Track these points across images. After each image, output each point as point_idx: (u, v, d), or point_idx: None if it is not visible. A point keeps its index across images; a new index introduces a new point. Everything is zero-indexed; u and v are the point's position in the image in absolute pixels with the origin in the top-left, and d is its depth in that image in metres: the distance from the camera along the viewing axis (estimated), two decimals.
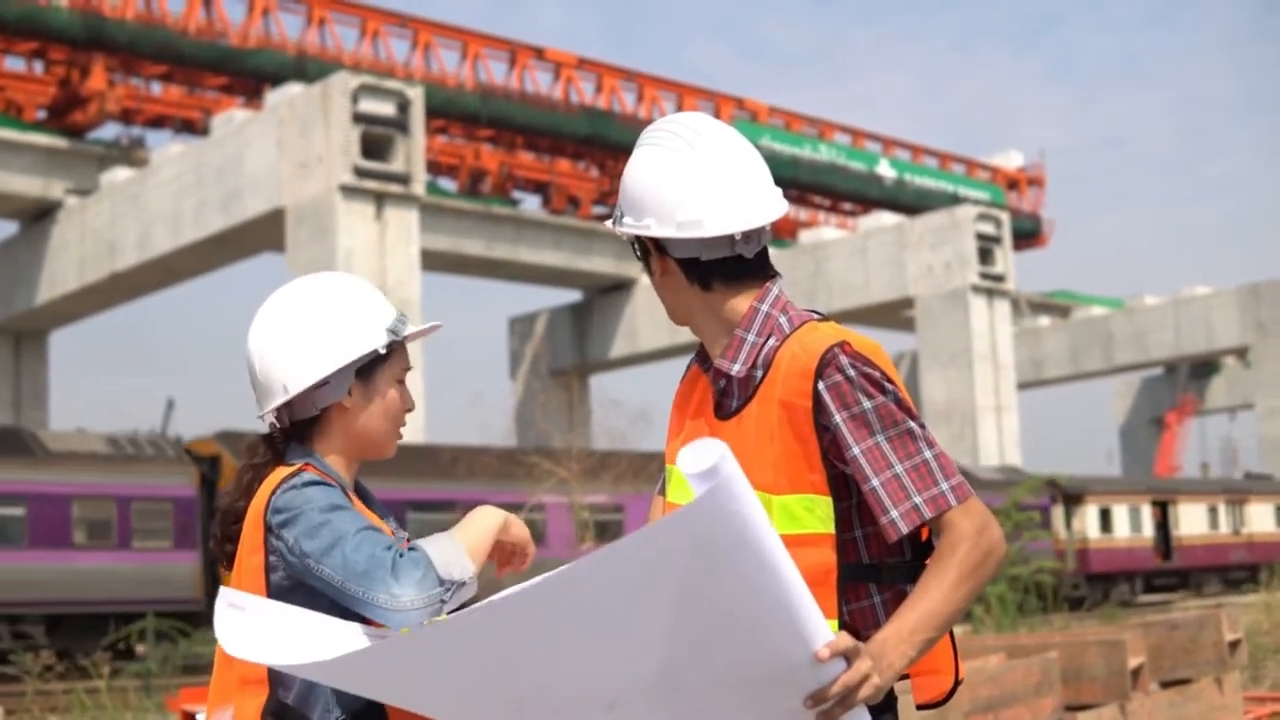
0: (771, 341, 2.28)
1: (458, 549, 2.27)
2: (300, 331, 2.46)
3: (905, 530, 2.16)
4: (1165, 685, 7.32)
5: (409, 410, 2.58)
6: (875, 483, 2.17)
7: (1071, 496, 35.76)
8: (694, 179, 2.27)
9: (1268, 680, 10.10)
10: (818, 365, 2.20)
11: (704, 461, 1.67)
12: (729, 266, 2.32)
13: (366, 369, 2.49)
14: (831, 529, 2.20)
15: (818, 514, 2.20)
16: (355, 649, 2.02)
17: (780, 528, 2.13)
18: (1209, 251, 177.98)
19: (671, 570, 1.65)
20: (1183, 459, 67.12)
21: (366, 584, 2.19)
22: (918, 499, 2.16)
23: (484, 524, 2.35)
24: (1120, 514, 36.77)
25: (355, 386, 2.49)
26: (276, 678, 2.31)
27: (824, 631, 1.77)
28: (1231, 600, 27.41)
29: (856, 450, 2.17)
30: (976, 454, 40.40)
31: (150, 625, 16.39)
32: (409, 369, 2.58)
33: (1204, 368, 67.36)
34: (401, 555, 2.22)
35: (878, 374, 2.20)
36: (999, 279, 42.54)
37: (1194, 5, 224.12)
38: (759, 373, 2.27)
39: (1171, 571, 38.44)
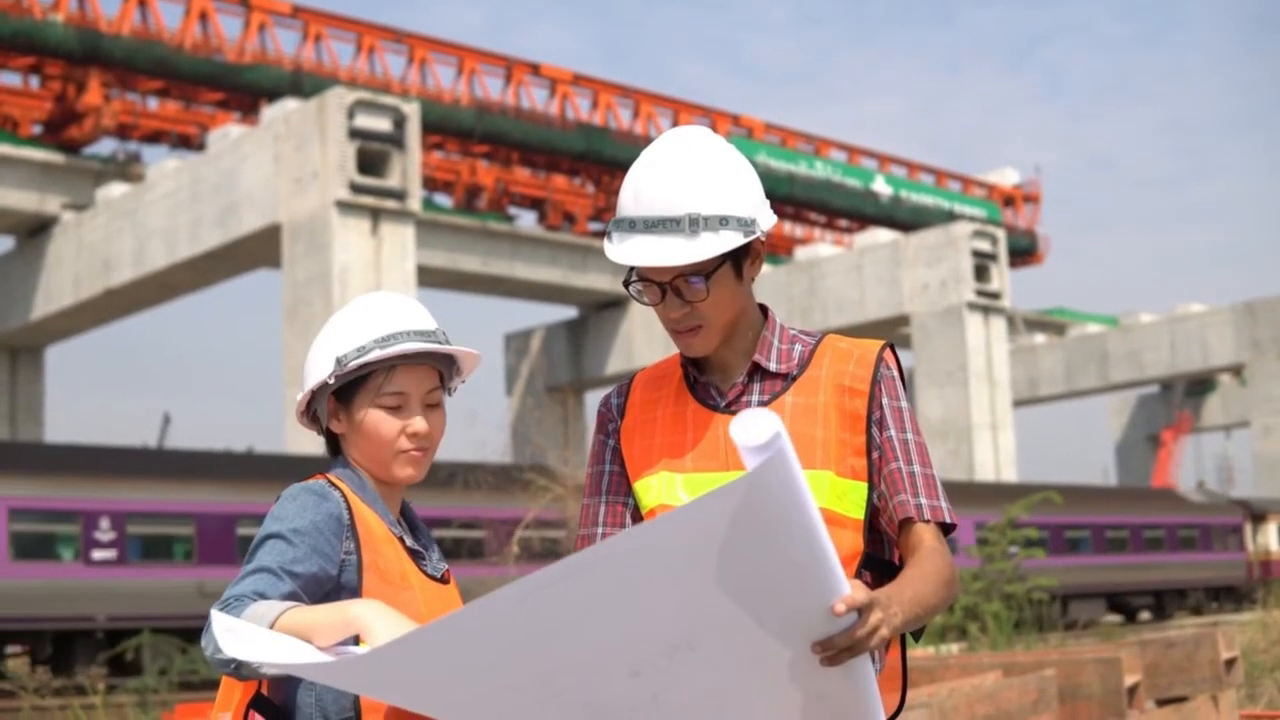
0: (798, 347, 2.37)
1: (275, 623, 2.10)
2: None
3: (906, 514, 2.28)
4: (1161, 703, 7.32)
5: (411, 436, 2.43)
6: (901, 466, 2.30)
7: (1258, 515, 42.30)
8: (750, 172, 2.33)
9: (1264, 698, 10.08)
10: (877, 356, 2.35)
11: (761, 434, 1.70)
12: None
13: (344, 393, 2.44)
14: (862, 516, 2.30)
15: (854, 499, 2.29)
16: (361, 651, 2.00)
17: (821, 501, 2.22)
18: (1204, 269, 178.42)
19: (713, 540, 1.67)
20: (1178, 477, 67.10)
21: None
22: (923, 500, 2.30)
23: (328, 620, 2.11)
24: None
25: (340, 411, 2.46)
26: (271, 680, 2.30)
27: (842, 585, 1.81)
28: None
29: (894, 434, 2.32)
30: (972, 471, 40.40)
31: (146, 640, 16.34)
32: (400, 393, 2.42)
33: (1199, 385, 67.33)
34: (233, 606, 2.15)
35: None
36: (995, 296, 42.56)
37: (1184, 24, 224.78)
38: (795, 370, 2.34)
39: None
